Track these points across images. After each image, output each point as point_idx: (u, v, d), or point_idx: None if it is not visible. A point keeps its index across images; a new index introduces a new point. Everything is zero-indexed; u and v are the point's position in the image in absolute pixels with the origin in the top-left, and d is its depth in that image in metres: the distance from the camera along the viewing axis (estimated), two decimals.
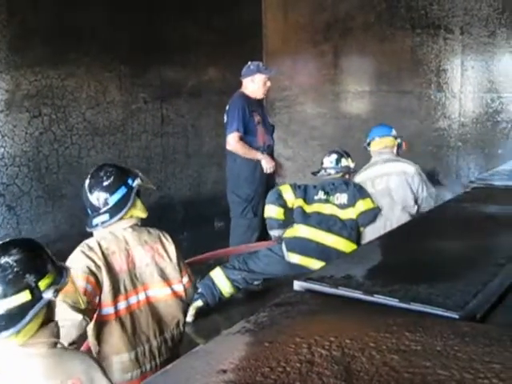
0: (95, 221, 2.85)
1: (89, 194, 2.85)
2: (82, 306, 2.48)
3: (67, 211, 5.42)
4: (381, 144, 5.19)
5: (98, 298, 2.72)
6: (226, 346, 1.26)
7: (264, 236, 5.58)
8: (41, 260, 2.00)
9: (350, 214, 4.77)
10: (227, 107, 5.66)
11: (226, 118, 5.62)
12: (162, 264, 2.95)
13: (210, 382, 1.11)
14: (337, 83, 7.61)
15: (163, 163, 6.56)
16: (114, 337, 2.78)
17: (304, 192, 4.89)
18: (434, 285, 1.56)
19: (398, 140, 5.23)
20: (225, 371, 1.14)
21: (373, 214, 4.79)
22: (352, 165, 5.05)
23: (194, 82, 6.90)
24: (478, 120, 6.58)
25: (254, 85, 5.65)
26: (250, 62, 5.74)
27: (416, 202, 4.95)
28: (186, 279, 3.05)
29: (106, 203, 2.81)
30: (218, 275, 4.93)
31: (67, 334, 2.48)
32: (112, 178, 2.82)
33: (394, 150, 5.20)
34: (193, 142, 6.93)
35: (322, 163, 5.14)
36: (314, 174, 5.21)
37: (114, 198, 2.81)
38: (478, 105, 6.61)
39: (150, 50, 6.22)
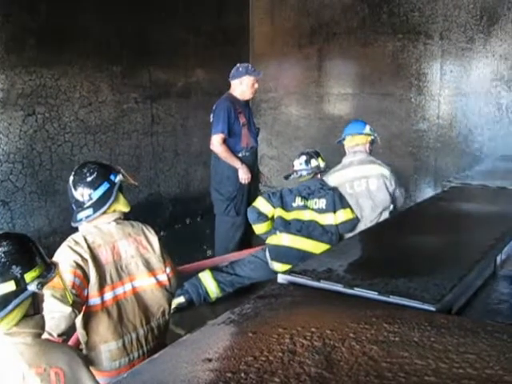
0: (79, 216, 2.93)
1: (73, 190, 2.93)
2: (70, 301, 2.51)
3: (60, 206, 5.45)
4: (352, 142, 5.18)
5: (86, 290, 2.77)
6: (211, 336, 1.29)
7: (248, 234, 5.66)
8: (29, 254, 2.05)
9: (329, 219, 4.78)
10: (214, 107, 5.68)
11: (211, 117, 5.64)
12: (146, 255, 3.03)
13: (196, 371, 1.13)
14: (321, 86, 7.66)
15: (153, 161, 6.62)
16: (102, 326, 2.84)
17: (280, 199, 4.88)
18: (412, 279, 1.60)
19: (372, 137, 5.21)
20: (210, 360, 1.17)
21: (352, 224, 4.80)
22: (322, 164, 5.04)
23: (183, 83, 6.96)
24: (456, 122, 6.67)
25: (242, 86, 5.67)
26: (238, 64, 5.76)
27: (392, 202, 5.01)
28: (169, 269, 3.12)
29: (89, 198, 2.89)
30: (205, 275, 4.95)
31: (57, 326, 2.54)
32: (95, 174, 2.91)
33: (367, 147, 5.18)
34: (181, 141, 6.98)
35: (292, 166, 5.15)
36: (286, 177, 5.21)
37: (97, 193, 2.89)
38: (456, 107, 6.69)
39: (142, 51, 6.27)
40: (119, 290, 2.91)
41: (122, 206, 3.01)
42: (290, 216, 4.84)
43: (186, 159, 7.07)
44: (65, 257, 2.76)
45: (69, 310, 2.56)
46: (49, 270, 2.09)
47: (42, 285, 2.02)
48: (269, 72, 7.36)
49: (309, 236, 4.75)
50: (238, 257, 5.23)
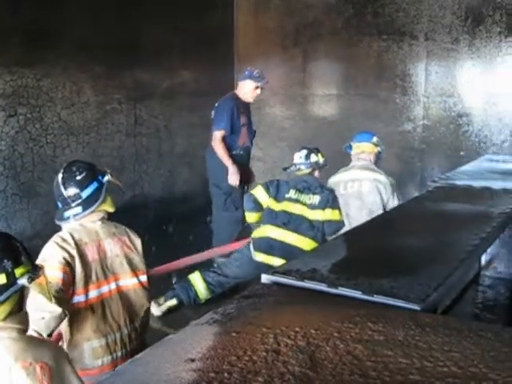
0: (67, 213, 2.97)
1: (62, 188, 2.96)
2: (52, 301, 2.46)
3: (42, 208, 5.40)
4: (358, 149, 5.33)
5: (71, 288, 2.80)
6: (194, 336, 1.28)
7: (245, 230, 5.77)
8: (18, 251, 2.11)
9: (318, 215, 4.80)
10: (216, 104, 5.91)
11: (213, 113, 5.82)
12: (130, 255, 3.09)
13: (178, 371, 1.12)
14: (305, 86, 7.67)
15: (136, 163, 6.59)
16: (85, 324, 2.87)
17: (276, 189, 4.93)
18: (397, 278, 1.60)
19: (378, 148, 5.35)
20: (193, 360, 1.16)
21: (336, 227, 4.81)
22: (321, 160, 5.08)
23: (166, 84, 6.93)
24: (441, 123, 6.70)
25: (244, 89, 5.93)
26: (248, 68, 6.02)
27: (384, 208, 5.04)
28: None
29: (78, 197, 2.94)
30: (195, 277, 4.97)
31: (47, 327, 2.57)
32: (84, 174, 2.97)
33: (372, 158, 5.30)
34: (165, 143, 6.96)
35: (292, 159, 5.18)
36: (285, 169, 5.27)
37: (86, 192, 2.94)
38: (441, 108, 6.72)
39: (125, 52, 6.23)
40: (104, 289, 2.95)
41: (108, 206, 3.07)
42: (279, 207, 4.87)
43: (169, 161, 7.04)
44: (53, 253, 2.80)
45: (59, 310, 2.57)
46: (35, 268, 2.12)
47: (31, 279, 2.06)
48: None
49: (295, 230, 4.78)
50: (219, 252, 5.35)
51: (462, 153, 6.50)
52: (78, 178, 2.95)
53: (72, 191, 2.94)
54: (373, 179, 5.09)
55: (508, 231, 2.53)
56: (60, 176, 3.00)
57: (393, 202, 5.07)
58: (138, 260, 3.12)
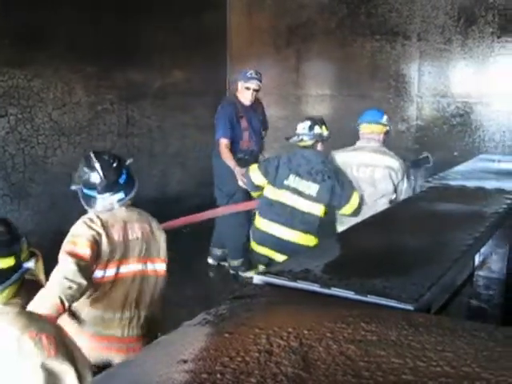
0: (108, 200, 3.10)
1: (100, 175, 3.07)
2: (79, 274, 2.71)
3: (33, 209, 5.40)
4: (368, 129, 5.18)
5: (94, 265, 2.93)
6: (186, 337, 1.28)
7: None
8: (20, 236, 2.33)
9: (314, 209, 4.71)
10: (218, 108, 5.84)
11: (215, 119, 5.76)
12: (149, 242, 3.19)
13: (171, 372, 1.12)
14: (299, 87, 7.68)
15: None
16: (94, 298, 3.01)
17: (275, 171, 4.81)
18: (390, 278, 1.60)
19: (387, 128, 5.25)
20: (185, 361, 1.15)
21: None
22: (325, 133, 4.94)
23: (159, 84, 6.92)
24: (435, 123, 6.72)
25: (239, 91, 5.83)
26: (245, 69, 5.92)
27: (395, 191, 5.06)
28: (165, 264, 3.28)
29: (117, 183, 3.10)
30: None
31: (72, 297, 2.71)
32: (117, 161, 3.13)
33: (381, 137, 5.19)
34: (158, 143, 6.95)
35: (295, 129, 5.08)
36: (287, 139, 5.12)
37: (123, 178, 3.13)
38: (434, 109, 6.74)
39: (116, 52, 6.22)
40: (122, 269, 3.08)
41: (133, 192, 3.24)
42: (275, 196, 4.81)
43: (162, 161, 7.03)
44: (82, 232, 2.94)
45: (85, 283, 2.73)
46: (32, 252, 2.34)
47: (35, 264, 2.30)
48: None
49: (286, 223, 4.73)
50: (225, 211, 5.51)
51: (455, 153, 6.52)
52: (114, 165, 3.10)
53: (112, 178, 3.07)
54: (385, 166, 5.00)
55: (502, 231, 2.53)
56: (97, 165, 3.07)
57: (402, 185, 5.06)
58: (156, 248, 3.22)
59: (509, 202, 2.66)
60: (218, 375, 1.10)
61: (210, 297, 5.01)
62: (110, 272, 3.02)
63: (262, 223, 4.84)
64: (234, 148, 5.73)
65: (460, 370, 1.13)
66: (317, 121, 4.99)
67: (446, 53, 6.64)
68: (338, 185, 4.71)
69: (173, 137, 7.10)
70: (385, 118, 5.24)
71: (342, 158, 5.09)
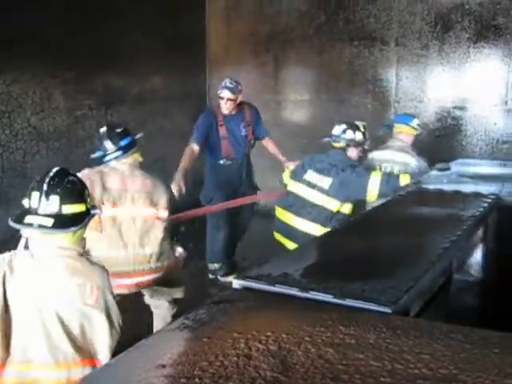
0: (108, 157, 3.84)
1: (106, 138, 3.86)
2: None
3: (11, 215, 5.33)
4: (397, 129, 5.53)
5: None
6: (165, 342, 1.28)
7: (234, 239, 5.95)
8: (86, 187, 2.65)
9: (324, 201, 4.73)
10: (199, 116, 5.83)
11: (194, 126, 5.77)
12: (149, 193, 3.84)
13: (150, 377, 1.11)
14: (278, 92, 7.70)
15: None
16: (102, 236, 3.59)
17: (301, 167, 4.98)
18: (368, 282, 1.60)
19: (417, 132, 5.54)
20: (164, 366, 1.15)
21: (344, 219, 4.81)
22: (358, 138, 4.96)
23: (138, 89, 6.90)
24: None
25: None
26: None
27: None
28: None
29: (119, 144, 3.85)
30: None
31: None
32: (122, 128, 3.97)
33: (410, 139, 5.48)
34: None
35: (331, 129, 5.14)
36: (323, 138, 5.13)
37: (124, 141, 3.87)
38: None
39: (95, 57, 6.18)
40: (119, 211, 3.70)
41: (138, 156, 4.00)
42: (293, 187, 4.95)
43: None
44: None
45: (98, 211, 2.96)
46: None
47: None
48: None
49: (297, 213, 4.84)
50: (233, 205, 5.56)
51: (432, 157, 6.56)
52: (118, 130, 3.91)
53: (115, 140, 3.85)
54: (403, 163, 5.26)
55: (479, 234, 2.56)
56: (104, 129, 3.94)
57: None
58: (157, 197, 3.86)
59: (485, 205, 2.69)
60: (197, 380, 1.10)
61: (187, 301, 4.97)
62: (107, 212, 3.55)
63: (278, 211, 5.03)
64: (215, 154, 5.75)
65: (437, 372, 1.14)
66: (352, 126, 5.04)
67: (423, 58, 6.70)
68: (352, 175, 4.75)
69: (153, 142, 7.07)
70: (415, 121, 5.57)
71: (372, 155, 5.44)
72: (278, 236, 5.02)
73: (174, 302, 4.27)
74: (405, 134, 5.50)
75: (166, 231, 3.90)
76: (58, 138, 5.91)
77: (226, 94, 5.65)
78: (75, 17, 5.95)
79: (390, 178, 4.66)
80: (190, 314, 1.40)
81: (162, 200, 3.90)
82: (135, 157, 3.99)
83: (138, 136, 4.03)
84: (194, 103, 7.57)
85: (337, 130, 5.03)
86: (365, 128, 5.07)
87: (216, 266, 5.91)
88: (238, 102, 5.73)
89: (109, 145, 3.87)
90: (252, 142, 6.01)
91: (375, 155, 5.44)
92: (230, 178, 5.81)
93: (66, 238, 2.45)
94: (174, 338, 1.29)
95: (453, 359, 1.19)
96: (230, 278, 5.36)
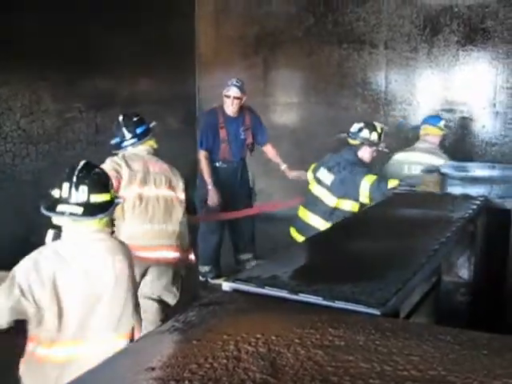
0: (125, 143, 4.29)
1: (123, 126, 4.29)
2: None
3: (1, 217, 5.31)
4: (424, 131, 5.61)
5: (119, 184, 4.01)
6: (154, 345, 1.27)
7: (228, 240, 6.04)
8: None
9: (328, 199, 4.87)
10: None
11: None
12: (168, 176, 4.29)
13: (139, 380, 1.11)
14: (267, 95, 7.71)
15: None
16: (130, 213, 4.05)
17: (318, 165, 5.08)
18: (357, 284, 1.60)
19: (444, 132, 5.64)
20: (153, 369, 1.15)
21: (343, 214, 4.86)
22: (373, 137, 5.05)
23: (128, 91, 6.89)
24: (401, 130, 6.79)
25: (223, 101, 5.82)
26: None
27: None
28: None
29: (135, 132, 4.29)
30: None
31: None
32: (138, 117, 4.36)
33: (437, 140, 5.57)
34: None
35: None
36: (338, 134, 5.32)
37: (140, 129, 4.31)
38: (401, 116, 6.82)
39: (85, 60, 6.18)
40: (145, 190, 4.13)
41: (153, 143, 4.41)
42: (310, 186, 5.10)
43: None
44: (106, 166, 3.87)
45: (121, 200, 3.17)
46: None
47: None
48: (214, 82, 7.37)
49: (311, 210, 4.98)
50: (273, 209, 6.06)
51: None
52: (135, 119, 4.32)
53: (131, 128, 4.27)
54: (430, 165, 5.24)
55: (468, 236, 2.57)
56: (121, 118, 4.34)
57: None
58: (175, 181, 4.31)
59: (474, 207, 2.70)
60: (187, 382, 1.09)
61: (177, 303, 4.96)
62: (134, 191, 4.06)
63: (299, 209, 5.15)
64: (212, 157, 5.79)
65: (426, 373, 1.14)
66: (368, 125, 5.14)
67: (412, 61, 6.74)
68: (350, 173, 4.84)
69: None
70: (442, 122, 5.67)
71: (398, 156, 5.54)
72: (292, 231, 5.13)
73: (163, 306, 4.30)
74: (432, 135, 5.58)
75: (184, 214, 4.35)
76: (48, 141, 5.90)
77: (233, 91, 5.70)
78: (66, 21, 5.94)
79: (380, 183, 4.67)
80: (180, 316, 1.40)
81: (180, 183, 4.34)
82: (150, 143, 4.39)
83: (152, 124, 4.42)
84: (184, 105, 7.57)
85: (354, 127, 5.14)
86: (382, 130, 5.16)
87: (207, 268, 5.92)
88: (242, 102, 5.77)
89: (125, 132, 4.28)
90: (251, 147, 6.03)
91: (399, 157, 5.52)
92: (225, 180, 5.83)
93: (93, 224, 2.70)
94: (164, 340, 1.29)
95: (442, 360, 1.19)
96: (220, 281, 5.36)
